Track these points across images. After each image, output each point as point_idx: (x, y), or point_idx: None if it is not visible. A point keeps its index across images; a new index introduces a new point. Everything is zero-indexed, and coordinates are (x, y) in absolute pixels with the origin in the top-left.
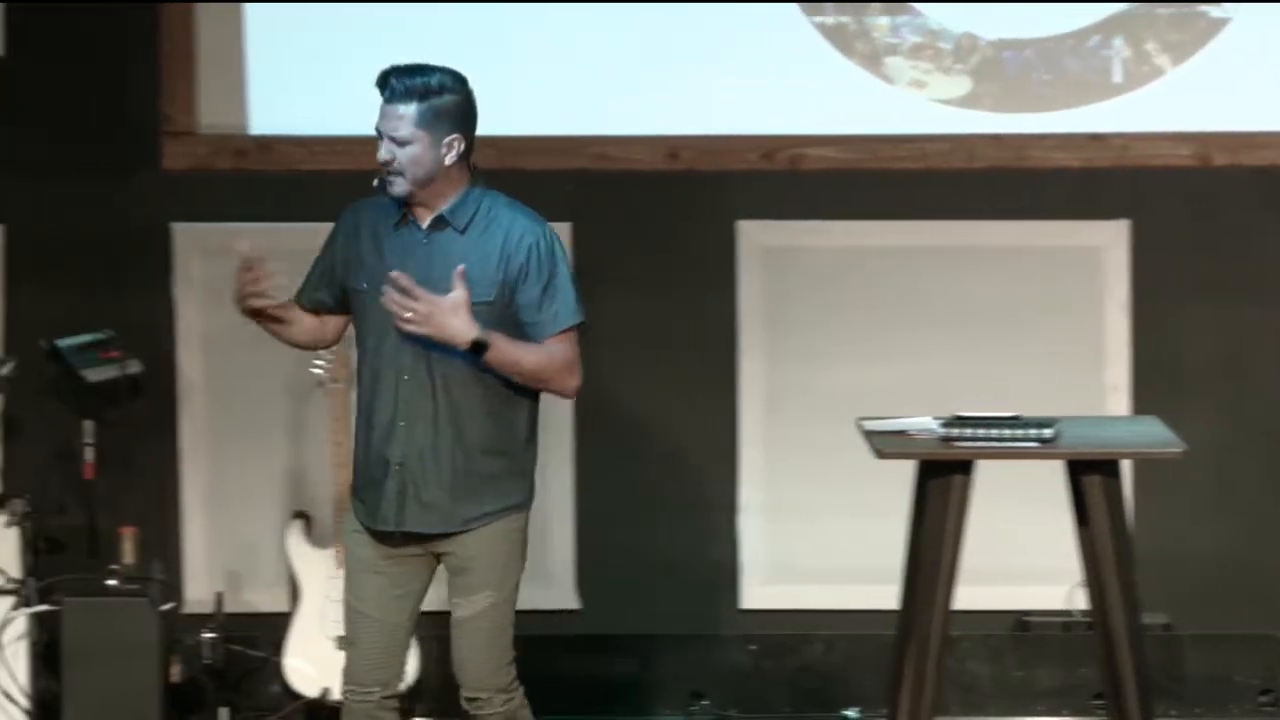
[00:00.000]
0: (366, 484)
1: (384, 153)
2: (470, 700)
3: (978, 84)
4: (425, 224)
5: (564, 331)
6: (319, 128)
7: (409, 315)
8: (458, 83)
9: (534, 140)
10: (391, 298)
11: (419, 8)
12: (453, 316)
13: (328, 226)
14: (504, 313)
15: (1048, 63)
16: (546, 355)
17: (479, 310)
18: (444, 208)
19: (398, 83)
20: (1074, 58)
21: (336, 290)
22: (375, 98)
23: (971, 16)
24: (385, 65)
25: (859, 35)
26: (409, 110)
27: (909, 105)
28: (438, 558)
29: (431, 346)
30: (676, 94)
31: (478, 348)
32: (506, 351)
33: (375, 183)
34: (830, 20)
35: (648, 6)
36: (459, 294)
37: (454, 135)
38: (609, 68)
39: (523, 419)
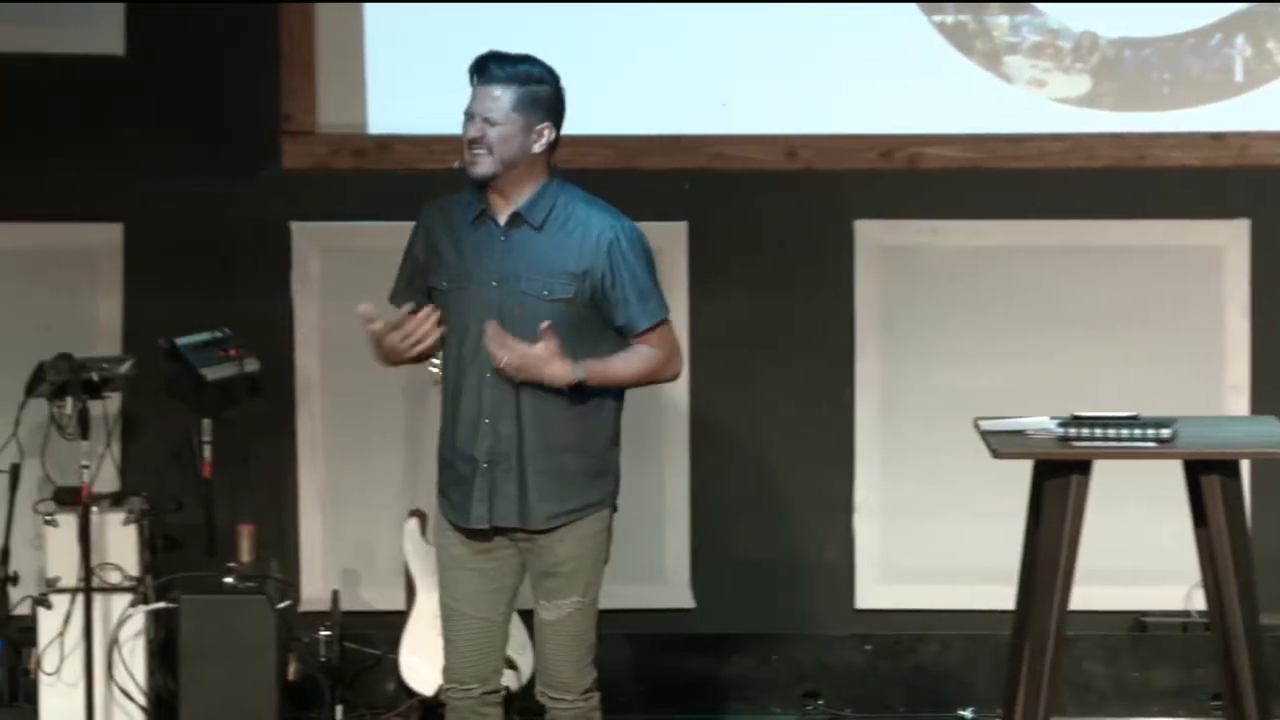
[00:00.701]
0: (454, 482)
1: (474, 130)
2: (551, 699)
3: (1098, 83)
4: (503, 220)
5: (655, 327)
6: (438, 127)
7: (504, 364)
8: (553, 77)
9: (651, 140)
10: (489, 346)
11: (537, 8)
12: (546, 366)
13: None
14: (584, 307)
15: (1168, 62)
16: (640, 360)
17: (557, 306)
18: (521, 203)
19: (498, 68)
20: (1195, 57)
21: (426, 290)
22: None
23: (1092, 15)
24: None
25: (978, 34)
26: (506, 93)
27: (1028, 104)
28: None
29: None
30: (795, 93)
31: (577, 384)
32: (603, 375)
33: (455, 164)
34: (950, 19)
35: (766, 6)
36: (549, 346)
37: (545, 124)
38: (727, 67)
39: (607, 419)
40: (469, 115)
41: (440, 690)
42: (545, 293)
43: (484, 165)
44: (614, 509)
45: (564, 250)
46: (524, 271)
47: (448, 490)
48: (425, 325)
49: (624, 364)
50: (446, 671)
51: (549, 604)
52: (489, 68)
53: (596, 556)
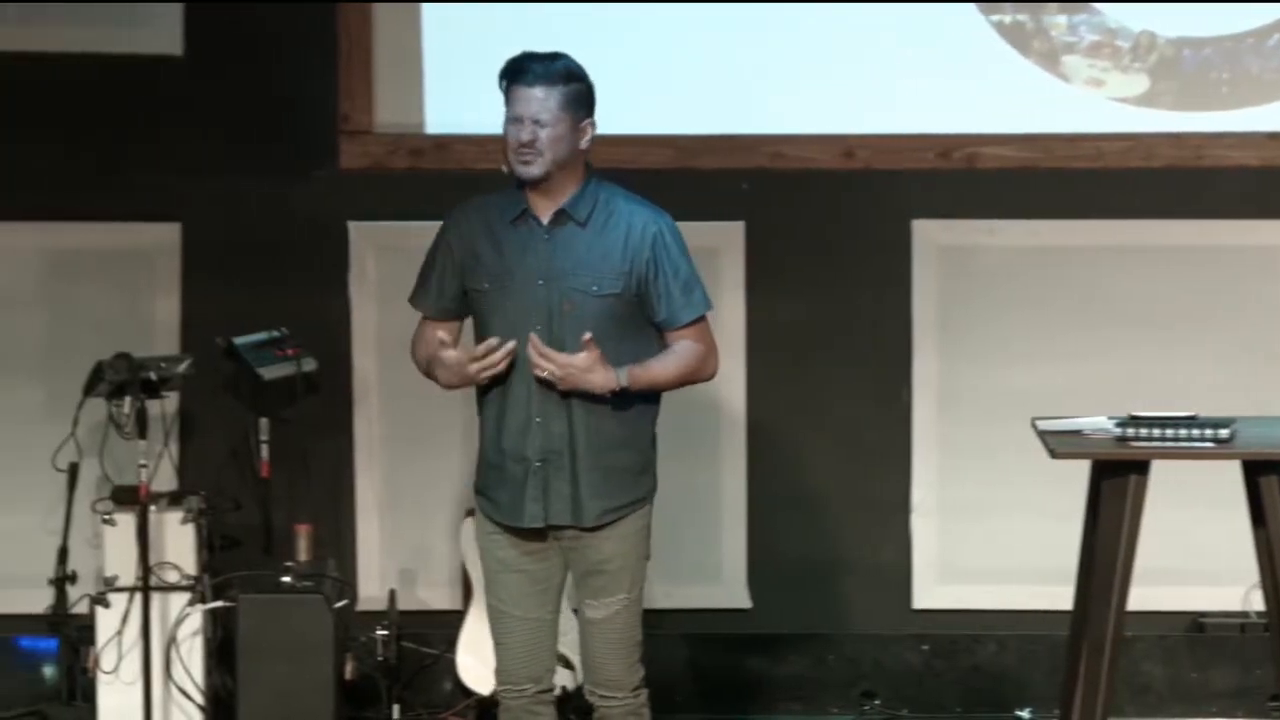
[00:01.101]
0: (501, 483)
1: (527, 133)
2: (601, 697)
3: (1156, 82)
4: (546, 219)
5: (695, 321)
6: (495, 127)
7: (545, 375)
8: (583, 71)
9: (710, 139)
10: (531, 358)
11: (593, 8)
12: (588, 374)
13: None
14: (630, 303)
15: (1227, 61)
16: (678, 360)
17: (606, 301)
18: (565, 201)
19: (540, 67)
20: (1254, 56)
21: (460, 295)
22: None
23: (1150, 14)
24: (512, 57)
25: (1036, 34)
26: (552, 93)
27: (1086, 104)
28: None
29: (563, 340)
30: (853, 93)
31: (619, 391)
32: (644, 378)
33: (504, 169)
34: (1007, 19)
35: (823, 6)
36: (591, 356)
37: (588, 119)
38: (785, 67)
39: (649, 416)
40: (515, 119)
41: (495, 691)
42: (594, 288)
43: (537, 167)
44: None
45: (610, 245)
46: (571, 269)
47: (493, 492)
48: (499, 355)
49: (663, 366)
50: (500, 673)
51: (596, 602)
52: (530, 68)
53: (640, 552)
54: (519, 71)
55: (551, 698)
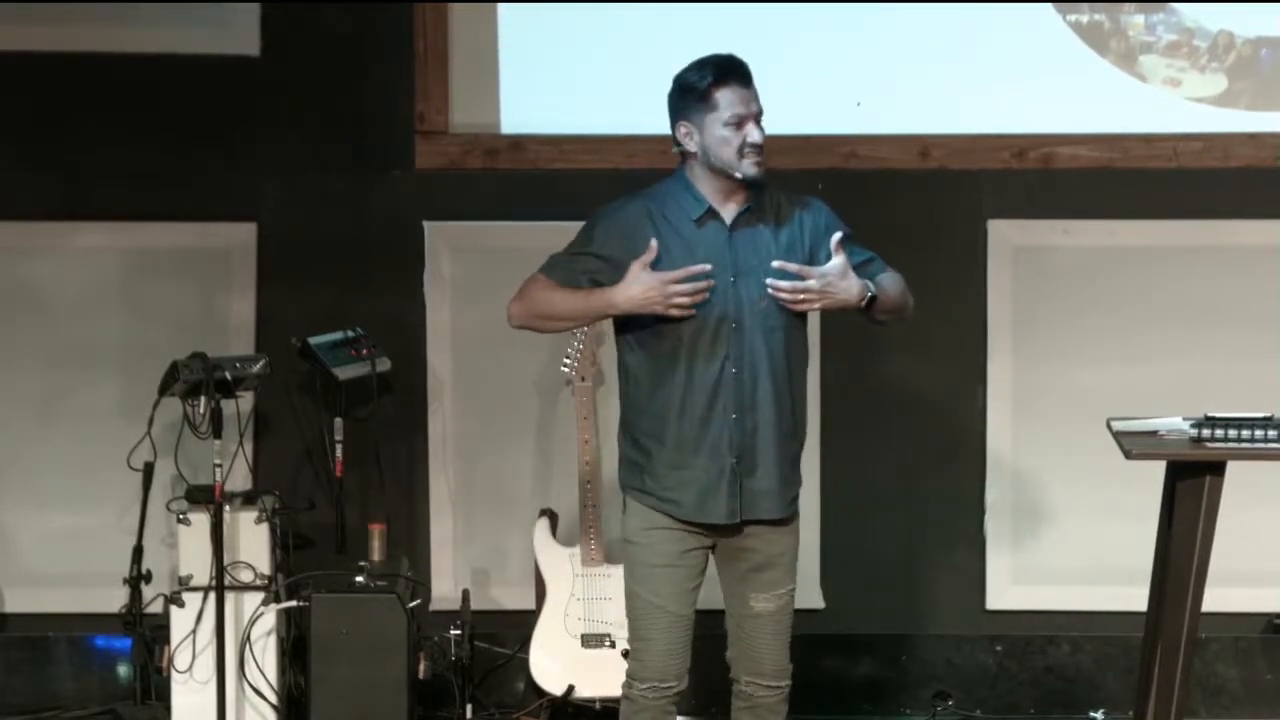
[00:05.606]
0: (686, 482)
1: (760, 133)
2: (764, 687)
3: (1234, 82)
4: (729, 218)
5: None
6: (570, 127)
7: (803, 298)
8: None
9: (785, 139)
10: (780, 286)
11: (669, 8)
12: (845, 281)
13: (580, 225)
14: None
15: None
16: (896, 283)
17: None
18: (747, 198)
19: (744, 67)
20: None
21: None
22: (625, 97)
23: (1229, 14)
24: (717, 58)
25: (1113, 33)
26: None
27: (1163, 104)
28: (711, 550)
29: (754, 336)
30: (928, 93)
31: (870, 300)
32: (885, 288)
33: (742, 175)
34: (1084, 19)
35: (900, 6)
36: (840, 260)
37: None
38: (860, 67)
39: (805, 400)
40: (743, 118)
41: (569, 689)
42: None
43: (763, 165)
44: None
45: (793, 238)
46: (758, 264)
47: (673, 492)
48: (700, 286)
49: (890, 282)
50: (645, 669)
51: (767, 595)
52: (741, 68)
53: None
54: (738, 69)
55: (678, 698)
